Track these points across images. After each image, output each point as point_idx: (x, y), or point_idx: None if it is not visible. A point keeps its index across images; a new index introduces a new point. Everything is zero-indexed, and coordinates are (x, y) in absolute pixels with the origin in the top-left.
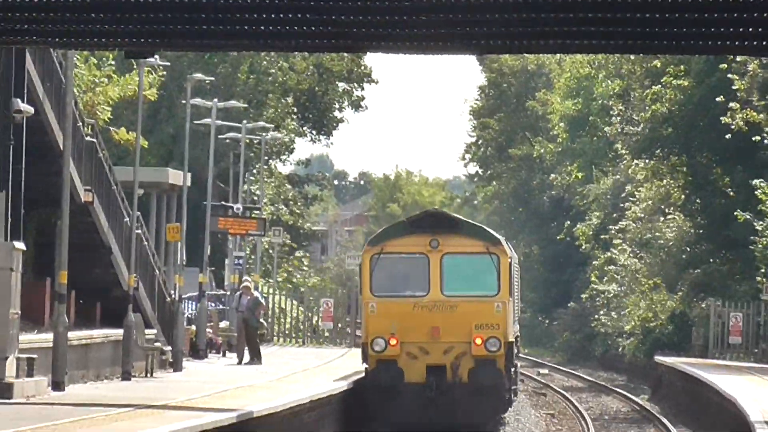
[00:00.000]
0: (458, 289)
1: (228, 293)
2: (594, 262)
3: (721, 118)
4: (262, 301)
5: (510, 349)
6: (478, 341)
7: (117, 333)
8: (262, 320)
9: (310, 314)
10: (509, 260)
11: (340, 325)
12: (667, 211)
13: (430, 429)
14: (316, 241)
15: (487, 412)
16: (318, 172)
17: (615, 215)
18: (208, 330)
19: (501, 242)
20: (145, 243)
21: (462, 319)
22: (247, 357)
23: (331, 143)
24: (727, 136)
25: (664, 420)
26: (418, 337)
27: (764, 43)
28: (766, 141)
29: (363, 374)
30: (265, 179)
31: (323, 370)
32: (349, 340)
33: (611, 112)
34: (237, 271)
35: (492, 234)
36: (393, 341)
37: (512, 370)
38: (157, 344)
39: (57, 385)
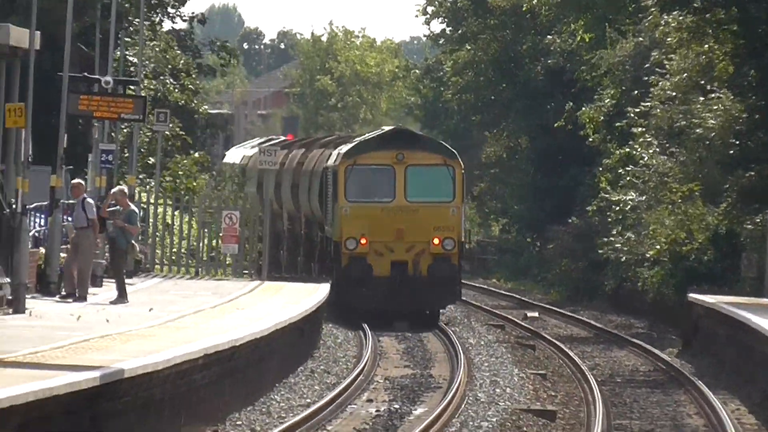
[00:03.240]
0: (419, 196)
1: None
2: (605, 161)
3: None
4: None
5: (461, 248)
6: (436, 241)
7: None
8: (134, 241)
9: (205, 233)
10: (462, 171)
11: (248, 248)
12: (709, 88)
13: (394, 314)
14: (217, 130)
15: (442, 301)
16: (223, 41)
17: (636, 93)
18: (63, 255)
19: (456, 156)
20: None
21: (422, 222)
22: (114, 292)
23: None
24: None
25: (700, 384)
26: (385, 237)
27: None
28: None
29: (287, 318)
30: (147, 42)
31: (223, 312)
32: (260, 271)
33: None
34: (105, 171)
35: (449, 148)
36: (363, 241)
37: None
38: None
39: None
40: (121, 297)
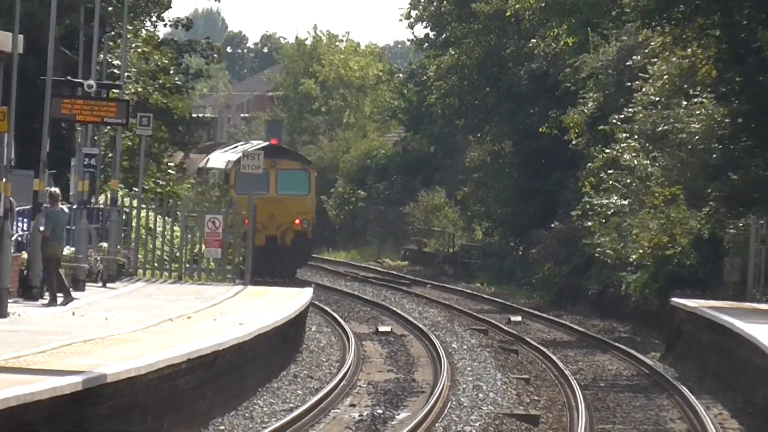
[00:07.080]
0: (286, 190)
1: (74, 206)
2: (589, 165)
3: None
4: (53, 216)
5: (314, 227)
6: (297, 222)
7: None
8: (48, 244)
9: (188, 237)
10: (315, 174)
11: (232, 252)
12: (691, 92)
13: (267, 273)
14: (199, 132)
15: (300, 263)
16: (205, 38)
17: (620, 98)
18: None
19: (311, 163)
20: None
21: (288, 209)
22: (60, 297)
23: None
24: None
25: (683, 388)
26: (262, 219)
27: None
28: None
29: (271, 322)
30: (130, 46)
31: (206, 316)
32: (242, 274)
33: None
34: (88, 175)
35: (306, 158)
36: (246, 221)
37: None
38: None
39: None
40: (53, 300)
